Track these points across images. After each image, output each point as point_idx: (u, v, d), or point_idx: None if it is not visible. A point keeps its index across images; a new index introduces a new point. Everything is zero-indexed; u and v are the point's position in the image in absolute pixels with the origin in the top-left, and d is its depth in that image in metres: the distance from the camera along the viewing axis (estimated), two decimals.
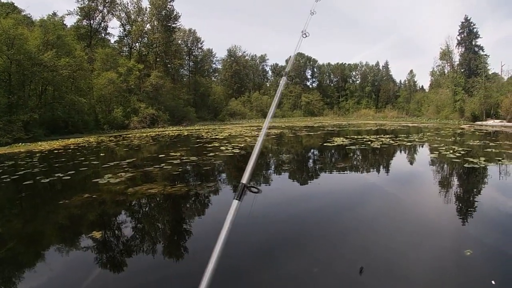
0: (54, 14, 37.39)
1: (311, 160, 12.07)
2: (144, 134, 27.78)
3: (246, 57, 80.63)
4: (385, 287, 3.04)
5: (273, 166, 10.51)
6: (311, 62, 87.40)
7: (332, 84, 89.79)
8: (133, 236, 4.62)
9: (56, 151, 15.45)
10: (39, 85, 28.41)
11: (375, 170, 9.27)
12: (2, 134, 21.32)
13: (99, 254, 3.98)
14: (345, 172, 8.80)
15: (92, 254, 3.98)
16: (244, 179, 1.51)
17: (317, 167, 10.50)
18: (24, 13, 37.71)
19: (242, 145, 15.73)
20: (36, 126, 25.35)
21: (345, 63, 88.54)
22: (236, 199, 1.45)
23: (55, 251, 4.21)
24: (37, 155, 14.26)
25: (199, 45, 67.05)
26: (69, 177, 8.51)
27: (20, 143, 20.45)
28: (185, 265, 3.72)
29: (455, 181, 7.94)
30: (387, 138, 18.16)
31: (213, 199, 6.33)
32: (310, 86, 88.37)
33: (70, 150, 15.79)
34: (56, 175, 8.83)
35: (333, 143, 15.98)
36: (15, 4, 38.97)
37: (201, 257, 3.82)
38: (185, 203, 6.28)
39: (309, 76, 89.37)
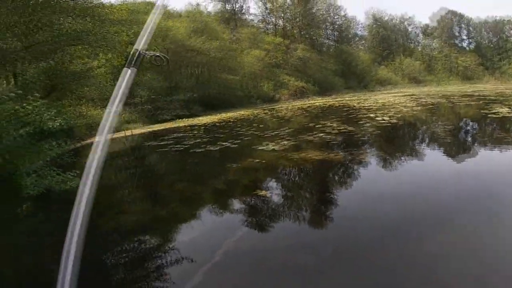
0: (198, 4, 41.97)
1: (469, 134, 10.43)
2: (295, 106, 27.91)
3: (393, 20, 73.53)
4: None
5: (426, 140, 9.39)
6: (462, 19, 73.70)
7: (492, 45, 74.27)
8: (285, 202, 5.08)
9: (217, 124, 17.19)
10: (194, 68, 32.30)
11: None
12: (165, 112, 25.18)
13: (251, 216, 4.59)
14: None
15: (250, 214, 4.64)
16: (139, 45, 1.39)
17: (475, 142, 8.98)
18: (169, 7, 42.88)
19: (399, 115, 14.67)
20: (195, 103, 28.90)
21: (503, 19, 71.68)
22: (128, 67, 1.33)
23: (210, 211, 5.08)
24: (202, 128, 16.14)
25: (342, 13, 64.49)
26: (236, 145, 9.41)
27: (181, 119, 22.92)
28: (326, 232, 3.94)
29: None
30: None
31: (370, 167, 6.43)
32: (467, 47, 74.90)
33: (230, 122, 17.35)
34: (223, 143, 9.78)
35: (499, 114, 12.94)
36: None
37: (342, 225, 4.05)
38: (345, 170, 6.38)
39: (464, 37, 75.80)
